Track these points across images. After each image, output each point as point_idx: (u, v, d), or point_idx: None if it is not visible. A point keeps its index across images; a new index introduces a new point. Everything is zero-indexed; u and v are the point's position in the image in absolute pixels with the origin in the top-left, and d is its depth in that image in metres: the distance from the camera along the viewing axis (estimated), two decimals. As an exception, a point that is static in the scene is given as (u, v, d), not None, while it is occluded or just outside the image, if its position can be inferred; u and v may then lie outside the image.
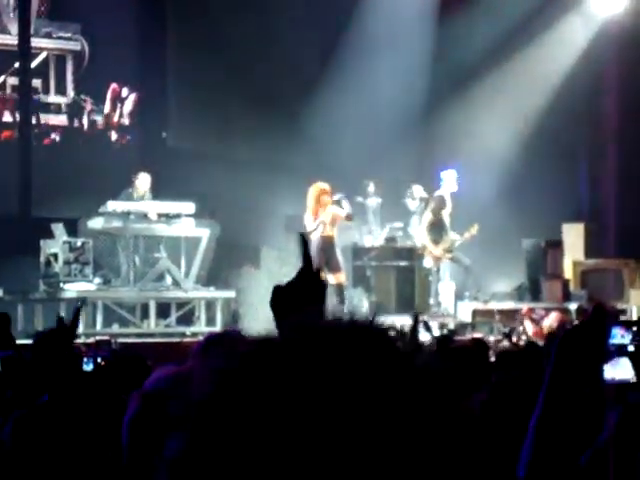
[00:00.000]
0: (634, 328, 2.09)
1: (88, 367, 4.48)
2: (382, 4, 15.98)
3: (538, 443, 2.02)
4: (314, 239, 12.43)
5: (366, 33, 15.83)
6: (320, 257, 12.45)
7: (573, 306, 13.79)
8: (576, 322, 8.54)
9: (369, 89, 15.66)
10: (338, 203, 12.95)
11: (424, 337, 7.55)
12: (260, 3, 15.42)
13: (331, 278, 12.43)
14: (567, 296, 15.05)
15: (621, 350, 2.12)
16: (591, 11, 16.55)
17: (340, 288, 12.70)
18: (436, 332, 10.87)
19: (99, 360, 4.21)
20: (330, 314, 1.03)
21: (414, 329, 7.18)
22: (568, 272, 15.67)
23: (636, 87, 16.15)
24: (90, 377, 4.18)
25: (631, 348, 2.13)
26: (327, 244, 12.58)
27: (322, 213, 12.56)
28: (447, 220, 14.49)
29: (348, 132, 15.09)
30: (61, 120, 15.45)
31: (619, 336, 2.11)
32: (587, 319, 2.08)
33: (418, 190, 15.26)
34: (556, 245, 15.71)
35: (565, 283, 15.40)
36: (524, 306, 13.12)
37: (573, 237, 15.99)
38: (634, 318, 13.39)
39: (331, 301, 12.70)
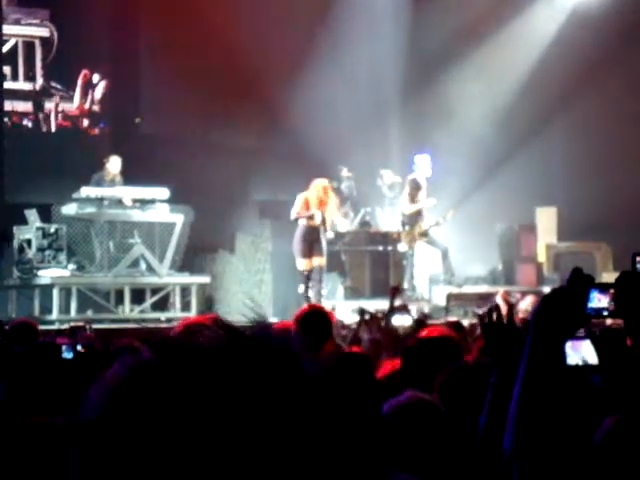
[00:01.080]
0: (611, 290, 2.13)
1: (69, 355, 4.46)
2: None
3: (522, 414, 2.04)
4: (300, 226, 12.71)
5: (343, 22, 15.83)
6: (304, 244, 12.67)
7: (547, 289, 13.85)
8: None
9: (346, 77, 15.66)
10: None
11: (404, 321, 7.56)
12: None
13: (312, 261, 12.74)
14: (541, 279, 15.16)
15: (598, 314, 2.16)
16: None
17: (320, 270, 12.86)
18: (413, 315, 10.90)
19: (79, 348, 4.19)
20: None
21: (392, 303, 7.22)
22: (541, 256, 15.77)
23: (607, 72, 16.24)
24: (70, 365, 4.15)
25: (605, 314, 2.16)
26: (314, 233, 12.77)
27: (324, 208, 12.80)
28: (423, 204, 14.54)
29: (322, 118, 15.08)
30: (29, 107, 15.34)
31: (596, 300, 2.14)
32: (565, 284, 2.11)
33: (388, 175, 15.30)
34: (529, 229, 15.81)
35: (538, 266, 15.51)
36: (499, 290, 13.19)
37: (546, 221, 16.10)
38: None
39: (313, 283, 12.91)
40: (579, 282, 2.10)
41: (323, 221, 12.89)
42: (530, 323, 2.09)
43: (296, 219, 12.90)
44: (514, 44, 16.56)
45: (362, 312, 6.89)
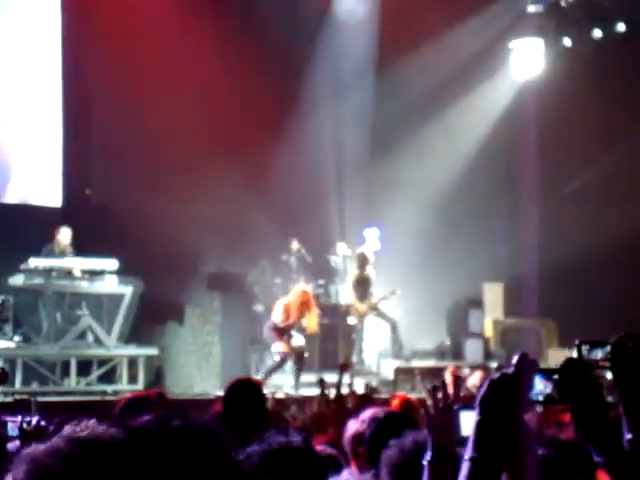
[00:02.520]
0: (555, 376, 2.18)
1: (13, 432, 4.39)
2: (327, 58, 16.23)
3: None
4: (271, 321, 12.86)
5: (306, 93, 16.03)
6: (275, 335, 12.83)
7: (494, 364, 13.96)
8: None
9: (298, 151, 15.78)
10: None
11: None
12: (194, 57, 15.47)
13: (293, 341, 12.94)
14: (488, 354, 15.24)
15: (548, 399, 2.21)
16: (512, 73, 16.97)
17: (300, 351, 13.04)
18: (361, 390, 10.93)
19: (25, 426, 4.13)
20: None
21: (340, 382, 7.25)
22: (488, 331, 15.89)
23: (553, 148, 16.57)
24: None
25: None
26: (285, 330, 12.93)
27: (307, 315, 12.93)
28: (372, 277, 14.64)
29: (271, 190, 15.19)
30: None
31: (541, 386, 2.20)
32: (511, 369, 2.16)
33: (342, 248, 15.42)
34: (477, 304, 15.94)
35: (486, 342, 15.61)
36: (446, 364, 13.26)
37: (493, 296, 16.25)
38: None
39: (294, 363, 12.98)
40: (525, 367, 2.17)
41: (300, 327, 13.10)
42: (477, 406, 2.15)
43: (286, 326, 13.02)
44: (466, 118, 16.85)
45: (322, 382, 6.88)
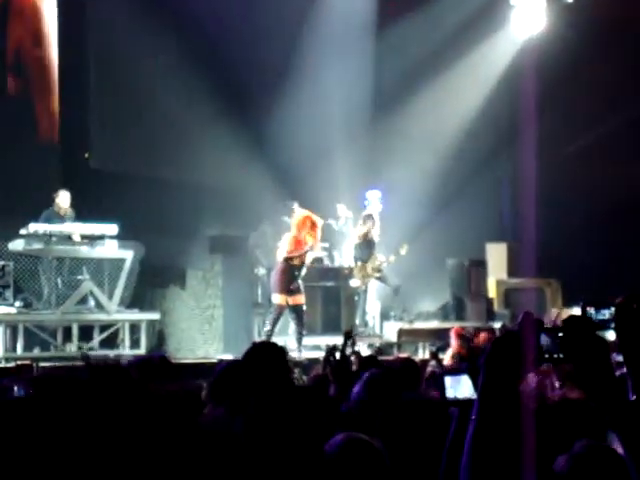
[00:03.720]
0: (560, 334, 2.12)
1: (20, 393, 4.34)
2: (327, 17, 16.06)
3: (476, 457, 2.03)
4: (280, 263, 12.44)
5: (310, 53, 15.87)
6: (283, 280, 12.40)
7: (497, 325, 13.92)
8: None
9: (292, 115, 15.64)
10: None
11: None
12: (191, 22, 15.31)
13: (290, 300, 12.45)
14: (491, 315, 15.21)
15: (553, 358, 2.17)
16: (513, 31, 16.81)
17: (299, 309, 12.62)
18: (365, 352, 10.88)
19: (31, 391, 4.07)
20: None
21: (344, 347, 7.18)
22: (492, 291, 15.84)
23: (556, 106, 16.44)
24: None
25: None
26: (294, 271, 12.49)
27: (310, 240, 12.49)
28: (375, 239, 14.55)
29: (271, 154, 15.08)
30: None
31: (545, 344, 2.15)
32: (516, 328, 2.12)
33: (342, 209, 15.33)
34: (479, 264, 15.88)
35: (489, 302, 15.57)
36: (450, 325, 13.21)
37: (496, 257, 16.19)
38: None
39: (294, 322, 12.71)
40: (529, 326, 2.12)
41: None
42: (481, 366, 2.09)
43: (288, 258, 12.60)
44: (467, 78, 16.72)
45: (332, 350, 6.80)
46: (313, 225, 12.45)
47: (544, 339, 2.14)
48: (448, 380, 3.57)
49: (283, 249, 12.55)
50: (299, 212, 12.85)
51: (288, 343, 12.76)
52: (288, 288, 12.46)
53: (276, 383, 5.10)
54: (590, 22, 16.19)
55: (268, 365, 5.32)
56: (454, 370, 4.21)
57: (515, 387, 2.09)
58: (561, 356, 2.14)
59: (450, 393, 3.46)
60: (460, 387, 3.50)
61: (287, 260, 12.48)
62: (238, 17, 15.19)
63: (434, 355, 10.41)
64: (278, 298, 12.50)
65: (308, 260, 12.72)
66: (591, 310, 2.23)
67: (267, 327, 12.50)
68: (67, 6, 15.24)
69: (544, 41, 16.39)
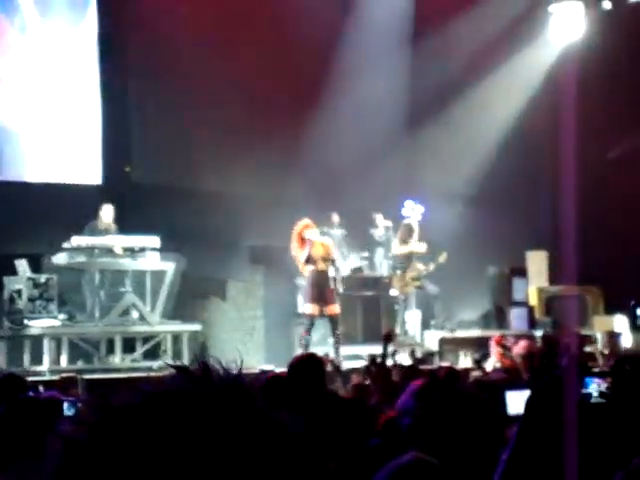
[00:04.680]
0: (608, 378, 2.05)
1: (70, 412, 4.38)
2: (363, 29, 16.09)
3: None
4: (307, 274, 12.64)
5: (345, 64, 15.90)
6: (313, 291, 12.59)
7: (538, 333, 13.85)
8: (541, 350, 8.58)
9: (331, 125, 15.66)
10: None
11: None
12: (231, 31, 15.41)
13: (325, 310, 12.59)
14: (532, 323, 15.14)
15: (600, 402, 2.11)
16: (551, 39, 16.75)
17: (334, 319, 12.77)
18: (406, 361, 10.89)
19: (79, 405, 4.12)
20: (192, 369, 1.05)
21: (385, 352, 7.20)
22: (533, 299, 15.77)
23: (595, 113, 16.35)
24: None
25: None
26: (321, 278, 12.66)
27: (309, 247, 12.67)
28: (415, 249, 14.55)
29: (309, 163, 15.13)
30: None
31: (595, 386, 2.09)
32: (558, 372, 2.04)
33: (380, 219, 15.34)
34: (520, 272, 15.81)
35: (530, 310, 15.50)
36: (491, 334, 13.17)
37: (537, 264, 16.12)
38: (599, 346, 13.49)
39: (326, 331, 12.83)
40: (574, 370, 2.06)
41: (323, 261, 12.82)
42: (524, 409, 2.05)
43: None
44: (506, 86, 16.68)
45: (373, 360, 6.83)
46: (301, 240, 12.66)
47: (592, 382, 2.08)
48: (510, 396, 3.38)
49: (299, 261, 12.78)
50: (297, 224, 12.97)
51: (330, 353, 12.81)
52: (317, 297, 12.59)
53: (317, 395, 5.14)
54: (629, 29, 16.10)
55: (309, 378, 5.38)
56: (515, 384, 4.05)
57: (556, 434, 2.00)
58: (606, 400, 2.07)
59: (513, 409, 3.24)
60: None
61: (311, 270, 12.69)
62: (274, 25, 15.26)
63: (478, 363, 10.39)
64: (308, 308, 12.71)
65: (331, 270, 12.82)
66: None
67: (302, 338, 12.64)
68: (107, 21, 15.40)
69: (583, 48, 16.32)
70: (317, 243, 12.83)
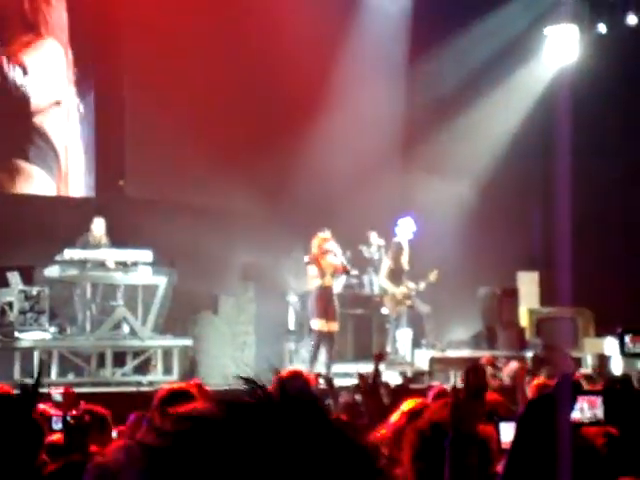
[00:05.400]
0: (599, 397, 2.06)
1: (57, 426, 4.38)
2: (361, 46, 16.14)
3: None
4: (313, 288, 12.79)
5: (340, 78, 15.94)
6: (319, 306, 12.73)
7: (529, 354, 13.86)
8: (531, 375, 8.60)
9: (325, 141, 15.70)
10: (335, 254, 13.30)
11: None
12: (225, 49, 15.45)
13: (325, 326, 12.70)
14: (523, 344, 15.14)
15: (592, 422, 2.11)
16: (546, 61, 16.83)
17: (332, 337, 12.91)
18: (396, 380, 10.90)
19: (68, 419, 4.11)
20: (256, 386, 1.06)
21: (377, 370, 7.20)
22: (524, 320, 15.78)
23: (588, 135, 16.42)
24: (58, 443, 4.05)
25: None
26: (327, 294, 12.83)
27: (322, 261, 12.85)
28: (406, 267, 14.57)
29: (303, 180, 15.15)
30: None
31: (585, 406, 2.09)
32: (552, 390, 2.06)
33: (374, 237, 15.35)
34: (511, 293, 15.83)
35: (521, 331, 15.50)
36: (482, 354, 13.17)
37: (528, 285, 16.13)
38: (588, 367, 13.51)
39: (325, 348, 12.92)
40: (567, 389, 2.08)
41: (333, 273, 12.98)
42: (516, 426, 2.07)
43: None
44: (500, 107, 16.74)
45: (362, 378, 6.81)
46: (323, 242, 12.79)
47: (582, 401, 2.08)
48: (504, 427, 3.30)
49: (310, 275, 12.90)
50: (317, 236, 13.18)
51: (320, 370, 12.81)
52: (323, 313, 12.73)
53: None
54: (624, 52, 16.19)
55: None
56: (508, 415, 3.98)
57: (549, 451, 2.01)
58: (601, 420, 2.08)
59: (506, 440, 3.14)
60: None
61: (318, 285, 12.81)
62: (270, 42, 15.30)
63: (467, 374, 10.35)
64: (316, 324, 12.80)
65: (336, 286, 12.94)
66: (628, 338, 2.19)
67: (312, 352, 12.78)
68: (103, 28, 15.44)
69: (577, 72, 16.40)
70: (331, 256, 13.02)
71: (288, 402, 1.01)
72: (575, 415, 2.13)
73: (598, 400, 2.13)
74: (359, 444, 1.00)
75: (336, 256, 13.19)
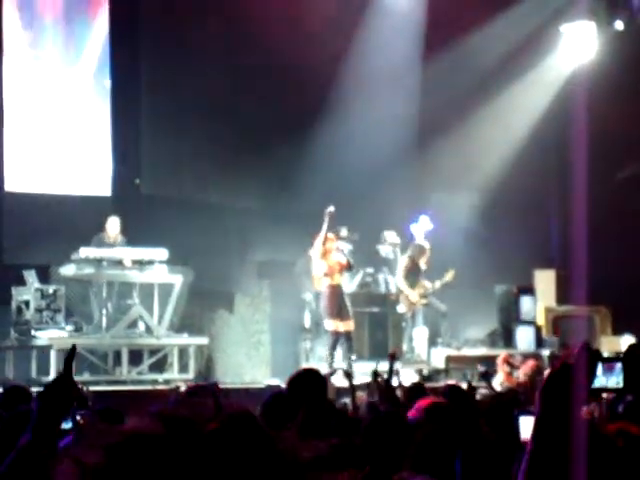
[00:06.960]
0: (618, 365, 2.07)
1: (67, 425, 4.36)
2: (374, 45, 16.10)
3: None
4: (323, 289, 12.75)
5: (353, 80, 15.91)
6: (331, 306, 12.70)
7: (546, 352, 13.82)
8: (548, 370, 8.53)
9: (340, 140, 15.66)
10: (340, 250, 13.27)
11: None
12: (241, 47, 15.46)
13: (341, 326, 12.69)
14: (539, 342, 15.09)
15: (613, 389, 2.12)
16: (562, 59, 16.75)
17: (349, 336, 12.88)
18: (412, 378, 10.89)
19: (78, 418, 4.09)
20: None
21: (391, 369, 7.18)
22: (540, 318, 15.72)
23: (605, 133, 16.34)
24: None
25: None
26: (336, 292, 12.80)
27: (328, 260, 12.85)
28: (423, 267, 14.54)
29: (320, 178, 15.13)
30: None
31: (605, 374, 2.10)
32: (572, 360, 2.06)
33: (391, 236, 15.31)
34: (528, 291, 15.78)
35: (537, 329, 15.45)
36: (499, 352, 13.14)
37: (545, 283, 16.07)
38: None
39: (342, 348, 12.88)
40: (587, 357, 2.07)
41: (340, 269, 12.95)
42: (537, 399, 2.06)
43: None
44: (516, 106, 16.68)
45: (375, 375, 6.79)
46: (328, 240, 12.92)
47: (602, 370, 2.09)
48: (523, 420, 3.37)
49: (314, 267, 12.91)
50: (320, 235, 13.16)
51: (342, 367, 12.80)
52: (336, 313, 12.69)
53: (317, 410, 5.11)
54: (638, 49, 16.10)
55: (309, 392, 5.33)
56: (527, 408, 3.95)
57: (571, 421, 2.02)
58: (620, 386, 2.09)
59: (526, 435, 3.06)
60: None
61: (328, 285, 12.79)
62: (286, 41, 15.30)
63: (483, 376, 10.32)
64: (330, 324, 12.77)
65: (347, 284, 12.92)
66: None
67: (328, 355, 12.74)
68: (119, 36, 15.47)
69: (594, 69, 16.32)
70: (337, 254, 12.99)
71: (224, 420, 1.00)
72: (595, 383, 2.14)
73: (617, 366, 2.14)
74: (288, 456, 1.00)
75: (339, 252, 13.14)
